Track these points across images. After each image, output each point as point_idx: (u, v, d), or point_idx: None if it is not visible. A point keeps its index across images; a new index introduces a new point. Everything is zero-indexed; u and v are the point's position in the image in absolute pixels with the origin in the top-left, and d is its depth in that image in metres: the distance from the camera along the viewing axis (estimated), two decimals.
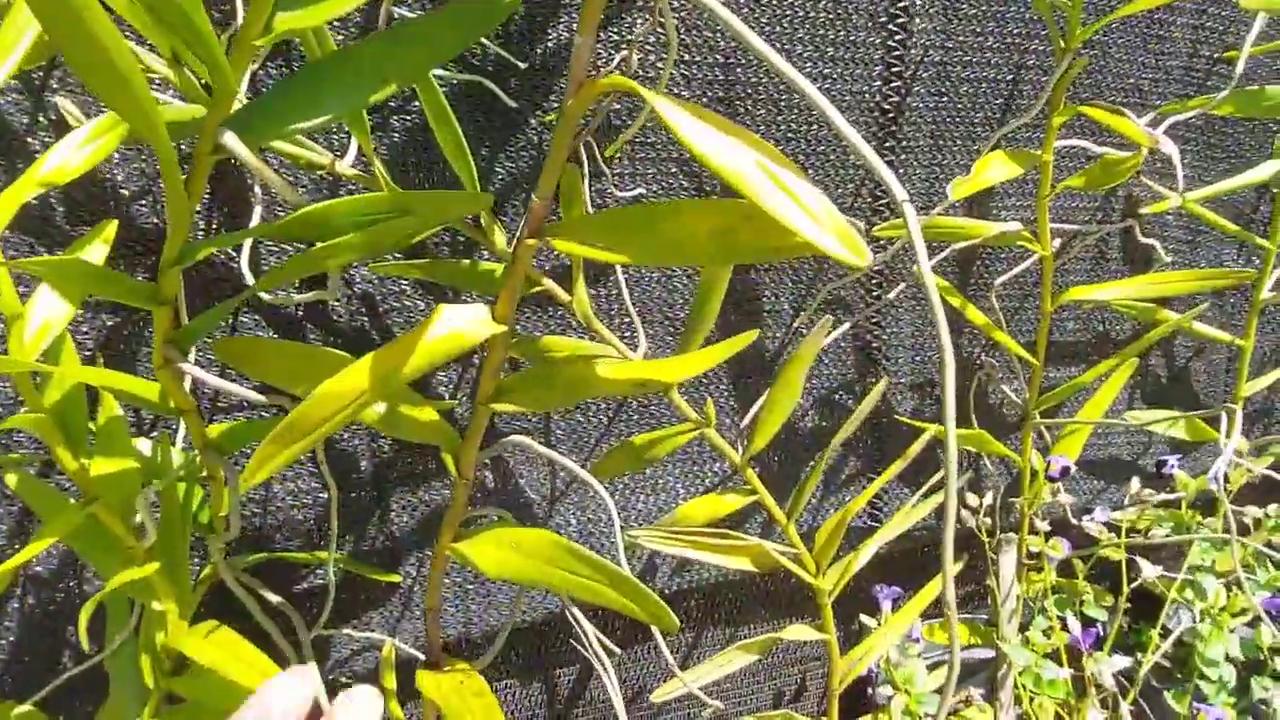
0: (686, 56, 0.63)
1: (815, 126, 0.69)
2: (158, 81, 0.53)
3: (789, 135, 0.68)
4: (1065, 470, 0.72)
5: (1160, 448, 0.90)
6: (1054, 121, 0.61)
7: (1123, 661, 0.67)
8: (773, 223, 0.33)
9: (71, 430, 0.42)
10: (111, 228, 0.44)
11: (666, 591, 0.79)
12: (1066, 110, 0.61)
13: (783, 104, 0.67)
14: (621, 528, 0.71)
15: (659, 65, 0.62)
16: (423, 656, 0.62)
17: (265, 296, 0.55)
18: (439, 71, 0.59)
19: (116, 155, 0.55)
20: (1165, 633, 0.76)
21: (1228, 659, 0.73)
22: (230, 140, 0.32)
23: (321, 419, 0.38)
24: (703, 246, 0.35)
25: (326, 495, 0.63)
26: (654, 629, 0.57)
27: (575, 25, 0.59)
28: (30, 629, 0.61)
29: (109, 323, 0.57)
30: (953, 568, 0.33)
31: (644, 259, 0.35)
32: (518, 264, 0.39)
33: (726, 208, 0.35)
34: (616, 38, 0.61)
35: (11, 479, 0.47)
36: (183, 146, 0.55)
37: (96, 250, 0.42)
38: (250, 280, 0.52)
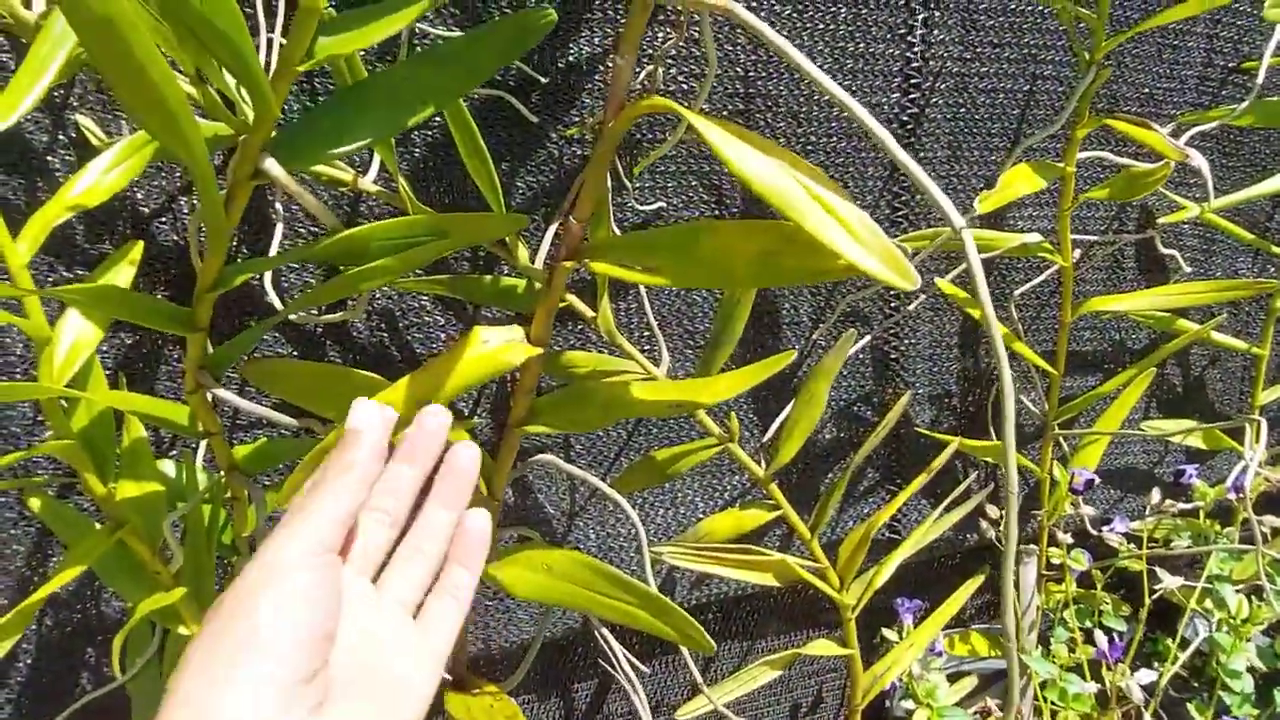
0: (707, 70, 0.63)
1: (835, 139, 0.68)
2: None
3: (809, 148, 0.68)
4: (1090, 483, 0.72)
5: (1177, 456, 0.89)
6: (1077, 134, 0.61)
7: (1148, 675, 0.67)
8: (817, 245, 0.32)
9: (100, 455, 0.41)
10: (138, 249, 0.44)
11: (685, 605, 0.78)
12: (1091, 122, 0.60)
13: (802, 116, 0.67)
14: (637, 542, 0.70)
15: (680, 79, 0.62)
16: (448, 676, 0.61)
17: (292, 316, 0.55)
18: None
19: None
20: (1184, 643, 0.75)
21: (1249, 669, 0.73)
22: (272, 166, 0.31)
23: None
24: (746, 269, 0.35)
25: None
26: (685, 651, 0.57)
27: (596, 40, 0.59)
28: (48, 651, 0.60)
29: (128, 340, 0.57)
30: (1014, 617, 0.32)
31: (684, 282, 0.35)
32: (554, 287, 0.38)
33: (769, 229, 0.35)
34: (640, 50, 0.60)
35: (35, 503, 0.47)
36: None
37: (124, 273, 0.42)
38: (276, 301, 0.51)
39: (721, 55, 0.63)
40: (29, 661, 0.60)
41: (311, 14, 0.30)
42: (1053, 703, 0.68)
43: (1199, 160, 0.51)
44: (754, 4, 0.63)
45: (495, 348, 0.38)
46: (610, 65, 0.47)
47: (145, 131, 0.32)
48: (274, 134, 0.33)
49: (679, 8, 0.37)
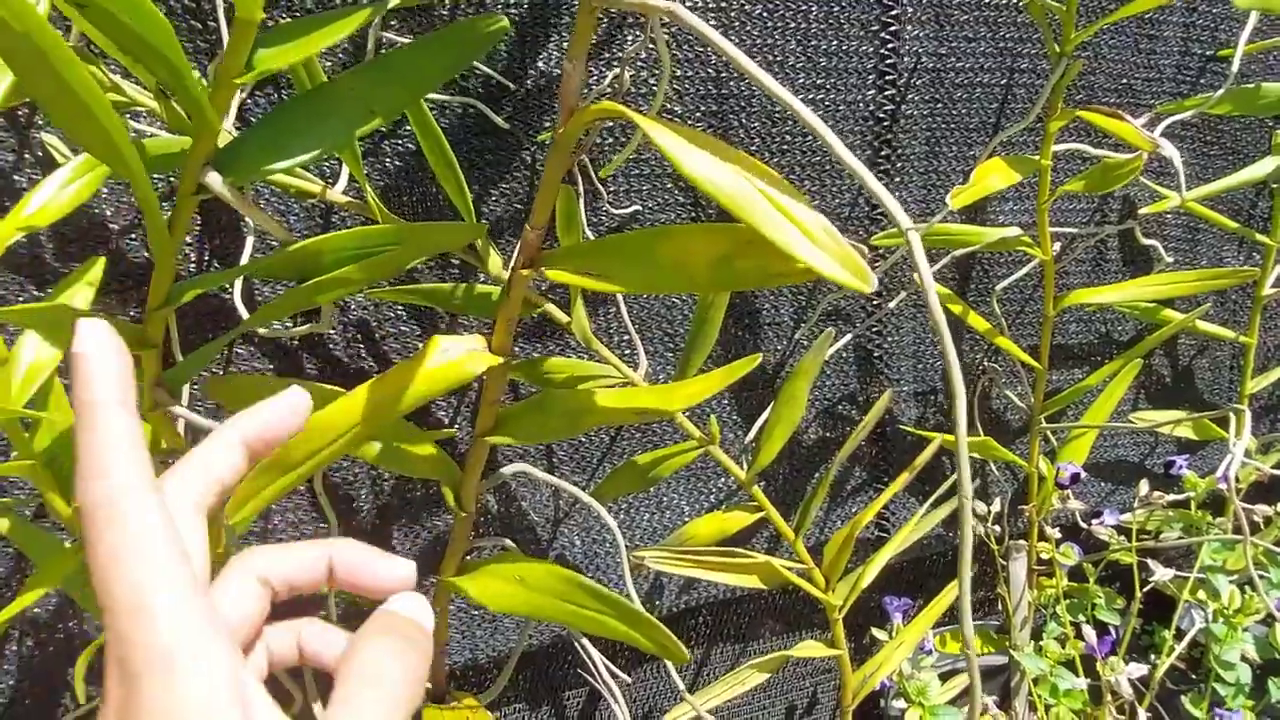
0: (678, 72, 0.63)
1: (810, 138, 0.68)
2: (145, 114, 0.53)
3: (784, 147, 0.68)
4: (1075, 478, 0.71)
5: (1167, 447, 0.89)
6: (1051, 126, 0.61)
7: (1139, 669, 0.66)
8: (773, 248, 0.32)
9: (63, 476, 0.41)
10: (98, 268, 0.44)
11: (674, 609, 0.78)
12: (1064, 115, 0.60)
13: (776, 116, 0.67)
14: (627, 549, 0.70)
15: (651, 82, 0.62)
16: (429, 685, 0.61)
17: (261, 331, 0.54)
18: (431, 95, 0.58)
19: (105, 189, 0.54)
20: (1179, 634, 0.75)
21: (1243, 659, 0.72)
22: (213, 180, 0.31)
23: (310, 452, 0.37)
24: (702, 274, 0.34)
25: (326, 526, 0.63)
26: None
27: (566, 47, 0.59)
28: (30, 673, 0.60)
29: None
30: (969, 594, 0.32)
31: (641, 288, 0.34)
32: (513, 296, 0.38)
33: (725, 233, 0.35)
34: (608, 55, 0.60)
35: (3, 523, 0.46)
36: (172, 179, 0.54)
37: (82, 293, 0.41)
38: (245, 315, 0.51)
39: (693, 56, 0.63)
40: (11, 684, 0.60)
41: (248, 26, 0.29)
42: (1045, 698, 0.68)
43: (1170, 150, 0.50)
44: (724, 4, 0.62)
45: (456, 358, 0.38)
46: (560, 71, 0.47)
47: (85, 148, 0.31)
48: (222, 146, 0.32)
49: (632, 12, 0.36)
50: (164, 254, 0.32)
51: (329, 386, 0.43)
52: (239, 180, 0.31)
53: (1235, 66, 0.64)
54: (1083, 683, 0.67)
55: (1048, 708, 0.69)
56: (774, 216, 0.32)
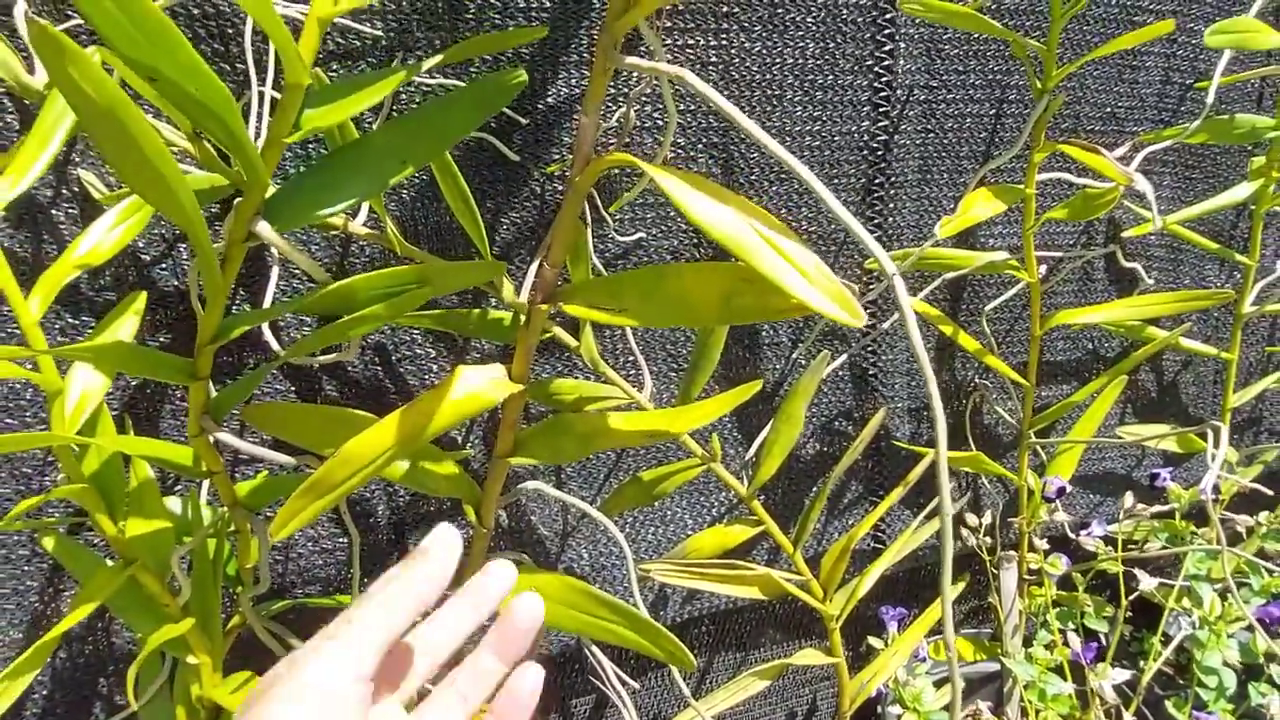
0: (681, 106, 0.66)
1: (809, 166, 0.70)
2: (178, 152, 0.56)
3: (783, 175, 0.71)
4: (1061, 490, 0.74)
5: (1154, 460, 0.92)
6: (1034, 158, 0.64)
7: (1123, 674, 0.69)
8: (771, 286, 0.35)
9: (110, 497, 0.44)
10: (141, 299, 0.47)
11: (678, 620, 0.80)
12: (1046, 147, 0.63)
13: None
14: (634, 562, 0.73)
15: (655, 116, 0.65)
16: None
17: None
18: None
19: None
20: (1167, 640, 0.77)
21: (1227, 665, 0.75)
22: (264, 229, 0.34)
23: (346, 475, 0.40)
24: (707, 310, 0.37)
25: (347, 540, 0.65)
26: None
27: (574, 82, 0.62)
28: (61, 683, 0.63)
29: (133, 383, 0.60)
30: (951, 593, 0.35)
31: (650, 322, 0.37)
32: (532, 328, 0.41)
33: (727, 271, 0.38)
34: (614, 90, 0.63)
35: (49, 542, 0.49)
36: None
37: (129, 324, 0.45)
38: (273, 342, 0.54)
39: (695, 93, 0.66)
40: (44, 694, 0.63)
41: (297, 90, 0.32)
42: (1034, 704, 0.71)
43: (1143, 184, 0.54)
44: (725, 40, 0.66)
45: (479, 386, 0.41)
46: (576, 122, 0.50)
47: (145, 199, 0.34)
48: (266, 197, 0.35)
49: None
50: (216, 295, 0.35)
51: (360, 413, 0.46)
52: (284, 228, 0.34)
53: (1210, 98, 0.67)
54: (1069, 687, 0.69)
55: (1037, 712, 0.72)
56: (771, 256, 0.35)
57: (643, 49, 0.61)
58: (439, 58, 0.38)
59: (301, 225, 0.37)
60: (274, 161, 0.33)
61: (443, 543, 0.35)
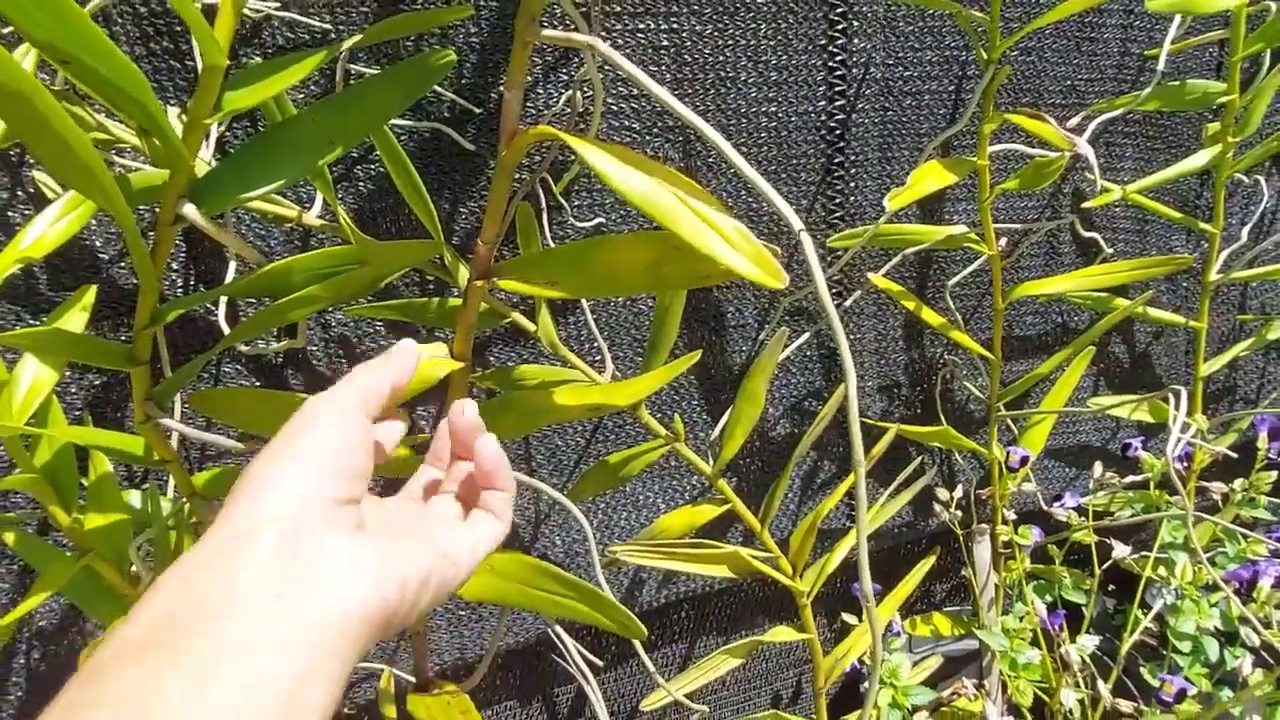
0: (635, 91, 0.66)
1: (764, 147, 0.72)
2: (129, 150, 0.57)
3: (740, 155, 0.71)
4: (1025, 460, 0.75)
5: (1129, 431, 0.92)
6: (984, 129, 0.64)
7: (1092, 641, 0.69)
8: (697, 252, 0.35)
9: (63, 488, 0.44)
10: (90, 294, 0.47)
11: (655, 604, 0.81)
12: (995, 118, 0.63)
13: (732, 129, 0.70)
14: (599, 544, 0.73)
15: (609, 101, 0.65)
16: (411, 679, 0.64)
17: (243, 348, 0.58)
18: (398, 121, 0.62)
19: (94, 222, 0.58)
20: (1147, 610, 0.78)
21: (1201, 630, 0.75)
22: (189, 211, 0.34)
23: None
24: (636, 278, 0.38)
25: None
26: (636, 643, 0.60)
27: (528, 71, 0.62)
28: (36, 682, 0.63)
29: (96, 382, 0.60)
30: (865, 539, 0.35)
31: (581, 292, 0.38)
32: (469, 305, 0.41)
33: (655, 240, 0.38)
34: (566, 77, 0.64)
35: (9, 536, 0.49)
36: (157, 209, 0.58)
37: (76, 318, 0.45)
38: (228, 333, 0.55)
39: (653, 77, 0.67)
40: (20, 695, 0.63)
41: (214, 72, 0.33)
42: (1008, 673, 0.71)
43: (1085, 148, 0.54)
44: (676, 24, 0.66)
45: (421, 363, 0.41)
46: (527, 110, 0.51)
47: (73, 188, 0.35)
48: (192, 181, 0.36)
49: (559, 45, 0.40)
50: (147, 279, 0.35)
51: (304, 396, 0.46)
52: (212, 211, 0.35)
53: (1161, 65, 0.67)
54: (1037, 655, 0.70)
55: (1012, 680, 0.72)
56: (694, 222, 0.35)
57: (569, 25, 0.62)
58: (359, 36, 0.38)
59: (230, 207, 0.38)
60: (195, 144, 0.34)
61: (409, 346, 0.39)
